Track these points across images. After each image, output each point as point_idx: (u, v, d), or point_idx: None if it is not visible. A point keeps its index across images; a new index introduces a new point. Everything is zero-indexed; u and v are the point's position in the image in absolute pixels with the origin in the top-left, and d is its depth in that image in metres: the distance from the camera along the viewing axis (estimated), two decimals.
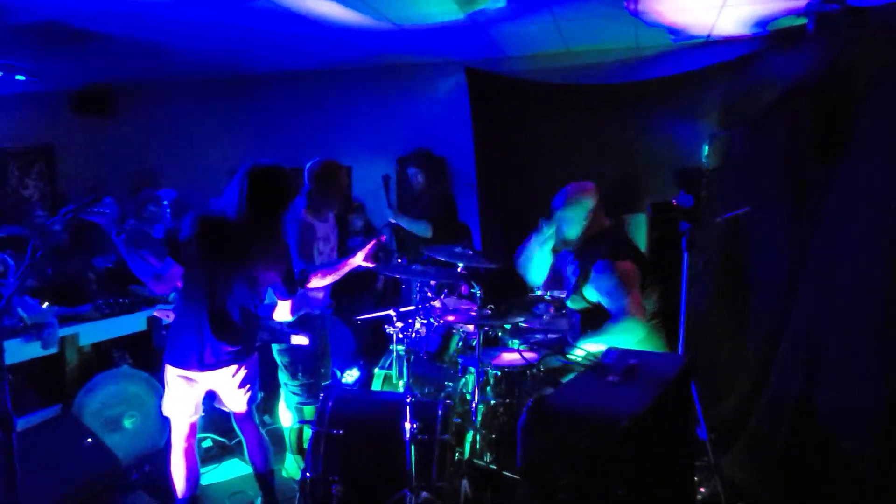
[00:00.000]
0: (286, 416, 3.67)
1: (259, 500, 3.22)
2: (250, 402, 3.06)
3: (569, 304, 3.19)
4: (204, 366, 2.83)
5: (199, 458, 3.07)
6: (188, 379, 2.86)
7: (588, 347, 2.97)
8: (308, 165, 3.54)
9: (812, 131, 3.14)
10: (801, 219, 3.10)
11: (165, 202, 4.71)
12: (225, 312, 2.82)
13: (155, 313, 3.87)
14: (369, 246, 3.26)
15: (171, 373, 2.86)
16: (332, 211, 3.68)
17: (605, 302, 2.96)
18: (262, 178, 2.81)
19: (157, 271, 2.77)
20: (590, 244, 3.07)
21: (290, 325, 3.44)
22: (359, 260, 3.25)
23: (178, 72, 7.00)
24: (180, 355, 2.83)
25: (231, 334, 2.85)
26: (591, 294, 3.02)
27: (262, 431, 3.17)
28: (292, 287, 3.02)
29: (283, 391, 3.65)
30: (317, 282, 3.30)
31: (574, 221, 3.08)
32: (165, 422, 3.01)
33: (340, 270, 3.29)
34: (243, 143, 7.24)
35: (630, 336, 2.89)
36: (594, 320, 3.01)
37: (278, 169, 2.87)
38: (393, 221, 5.07)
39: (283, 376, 3.59)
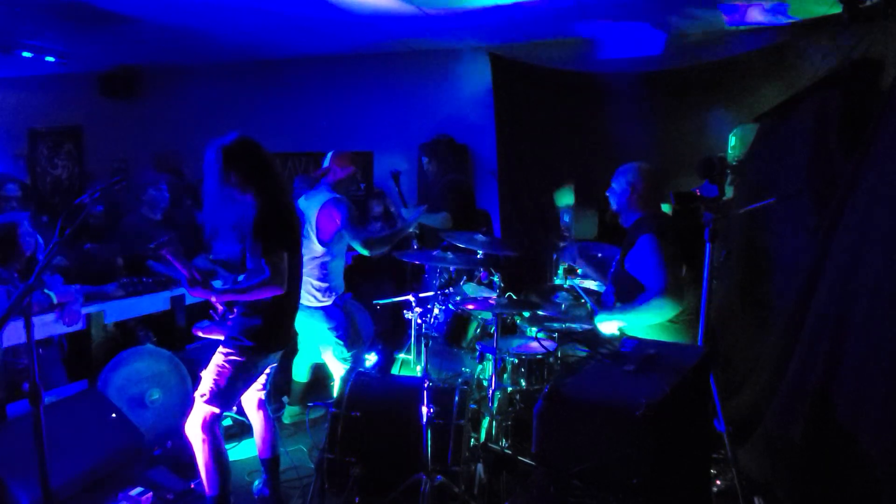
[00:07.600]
0: (336, 366, 3.80)
1: (259, 480, 3.26)
2: (266, 383, 3.14)
3: (611, 283, 3.21)
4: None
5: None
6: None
7: (613, 324, 2.98)
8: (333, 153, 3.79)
9: (840, 123, 3.08)
10: (825, 212, 3.06)
11: (164, 186, 4.76)
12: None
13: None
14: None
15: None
16: (351, 191, 3.88)
17: (641, 276, 2.97)
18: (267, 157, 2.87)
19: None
20: (638, 225, 3.08)
21: None
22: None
23: (203, 55, 7.06)
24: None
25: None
26: (631, 266, 3.03)
27: (272, 417, 3.22)
28: None
29: (331, 349, 3.79)
30: None
31: (617, 191, 3.15)
32: (187, 399, 3.04)
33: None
34: (267, 127, 7.29)
35: (659, 316, 2.89)
36: (628, 295, 3.02)
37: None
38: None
39: (329, 338, 3.75)
